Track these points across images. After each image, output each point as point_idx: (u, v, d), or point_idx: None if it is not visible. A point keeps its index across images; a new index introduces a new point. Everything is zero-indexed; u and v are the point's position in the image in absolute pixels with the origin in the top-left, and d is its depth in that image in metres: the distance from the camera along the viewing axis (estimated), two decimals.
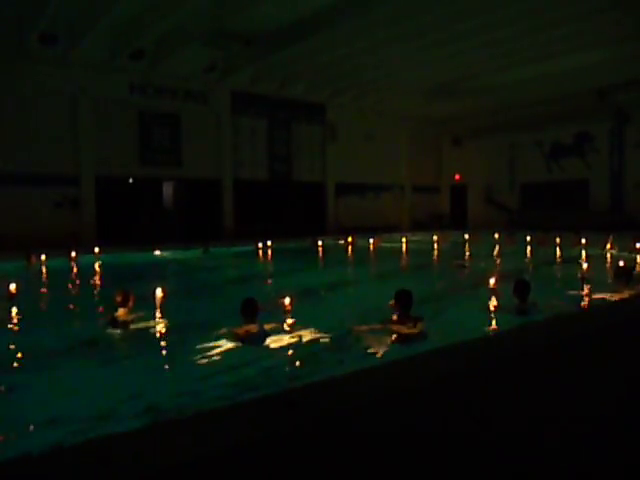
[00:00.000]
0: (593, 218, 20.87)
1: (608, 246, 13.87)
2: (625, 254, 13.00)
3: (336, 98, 22.06)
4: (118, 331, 5.93)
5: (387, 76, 19.47)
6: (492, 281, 7.62)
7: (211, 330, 5.69)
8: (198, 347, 5.26)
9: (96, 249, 14.42)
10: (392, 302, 5.63)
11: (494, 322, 6.40)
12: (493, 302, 7.05)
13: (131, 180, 18.51)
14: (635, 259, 12.01)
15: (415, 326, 5.41)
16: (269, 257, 15.58)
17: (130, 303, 6.16)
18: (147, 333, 6.03)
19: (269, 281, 11.61)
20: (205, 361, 4.95)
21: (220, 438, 2.47)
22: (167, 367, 5.20)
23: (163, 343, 5.89)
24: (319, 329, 6.02)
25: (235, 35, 15.58)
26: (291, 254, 16.30)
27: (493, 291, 7.41)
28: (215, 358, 5.01)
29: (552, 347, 4.25)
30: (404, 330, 5.39)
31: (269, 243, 16.43)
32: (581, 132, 22.69)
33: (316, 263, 15.02)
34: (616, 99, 20.89)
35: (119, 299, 6.16)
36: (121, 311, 6.09)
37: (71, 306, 8.33)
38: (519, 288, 6.35)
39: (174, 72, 17.71)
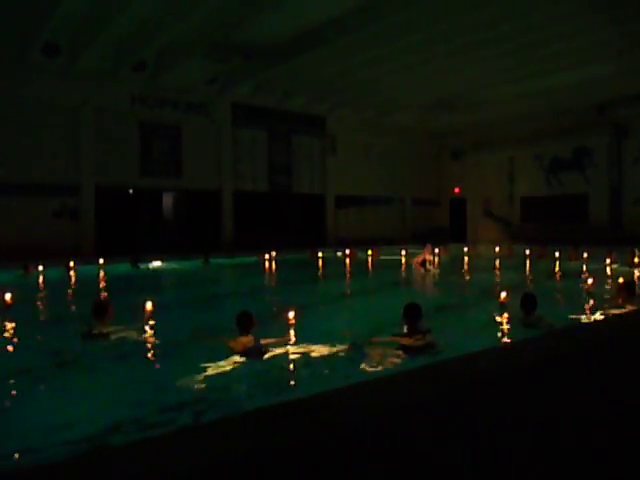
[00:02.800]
0: (592, 233, 20.87)
1: (608, 261, 13.86)
2: (625, 269, 13.01)
3: (336, 111, 22.18)
4: (96, 344, 5.68)
5: (387, 90, 19.59)
6: (503, 295, 7.60)
7: (203, 343, 5.57)
8: (183, 361, 5.15)
9: (101, 260, 14.42)
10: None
11: (499, 335, 6.37)
12: (499, 315, 7.03)
13: (131, 191, 18.53)
14: (634, 274, 12.01)
15: (424, 338, 5.37)
16: (269, 269, 15.57)
17: (108, 315, 5.91)
18: (124, 346, 5.78)
19: (268, 293, 11.58)
20: (189, 375, 4.74)
21: (210, 451, 2.43)
22: (140, 381, 4.88)
23: (142, 356, 5.64)
24: (319, 342, 5.97)
25: (236, 48, 15.68)
26: (291, 266, 16.28)
27: (500, 305, 7.40)
28: (204, 372, 4.82)
29: (550, 362, 4.22)
30: (412, 343, 5.35)
31: (267, 255, 16.43)
32: (580, 147, 22.77)
33: (316, 275, 15.00)
34: (615, 114, 21.03)
35: (96, 310, 5.94)
36: (99, 323, 5.86)
37: (52, 318, 8.24)
38: (526, 301, 6.33)
39: (175, 84, 17.81)
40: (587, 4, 12.55)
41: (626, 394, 3.50)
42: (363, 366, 5.10)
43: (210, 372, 4.83)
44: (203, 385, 4.59)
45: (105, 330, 5.87)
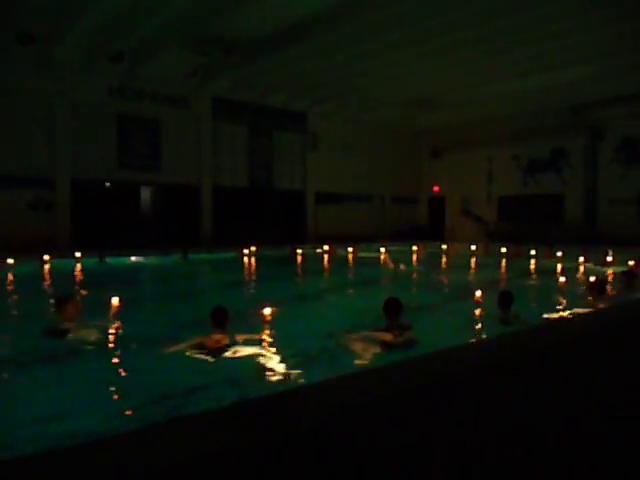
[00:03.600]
0: (567, 232, 21.26)
1: (582, 260, 14.12)
2: (598, 268, 13.28)
3: (318, 107, 22.14)
4: (58, 340, 5.47)
5: (368, 87, 19.61)
6: (479, 293, 7.71)
7: (175, 339, 5.46)
8: (150, 358, 5.04)
9: (78, 254, 14.20)
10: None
11: (476, 332, 6.45)
12: (476, 312, 7.12)
13: (108, 184, 18.27)
14: (607, 272, 12.26)
15: (403, 334, 5.40)
16: (248, 264, 15.52)
17: (72, 310, 5.71)
18: (87, 342, 5.58)
19: (246, 289, 11.54)
20: (155, 372, 4.64)
21: (177, 450, 2.40)
22: (98, 380, 4.68)
23: (103, 354, 5.46)
24: (296, 339, 5.97)
25: (217, 41, 15.55)
26: (270, 262, 16.25)
27: (476, 302, 7.50)
28: (172, 369, 4.73)
29: (522, 358, 4.28)
30: (391, 338, 5.37)
31: (247, 251, 16.38)
32: (557, 148, 23.15)
33: (295, 272, 14.99)
34: (590, 117, 21.43)
35: (60, 306, 5.73)
36: (61, 318, 5.66)
37: (18, 313, 8.05)
38: (503, 299, 6.42)
39: (154, 76, 17.59)
40: (564, 8, 12.72)
41: (597, 389, 3.57)
42: (340, 362, 5.10)
43: (179, 369, 4.75)
44: (169, 383, 4.48)
45: (68, 326, 5.65)
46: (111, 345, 5.75)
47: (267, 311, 6.24)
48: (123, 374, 4.95)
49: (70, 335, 5.56)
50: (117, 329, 6.26)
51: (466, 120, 23.45)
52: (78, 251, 14.49)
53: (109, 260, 14.58)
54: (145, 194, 19.51)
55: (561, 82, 17.99)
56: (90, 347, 5.56)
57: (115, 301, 6.92)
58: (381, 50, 15.44)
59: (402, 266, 14.18)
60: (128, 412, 3.87)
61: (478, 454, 2.52)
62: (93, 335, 5.77)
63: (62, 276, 12.21)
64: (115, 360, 5.36)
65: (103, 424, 3.55)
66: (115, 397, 4.29)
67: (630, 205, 20.92)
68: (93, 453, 2.38)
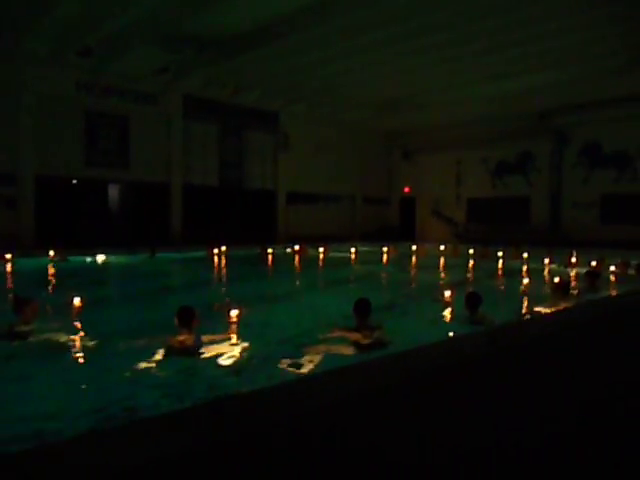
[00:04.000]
0: (533, 234, 21.76)
1: (547, 261, 14.44)
2: (562, 269, 13.60)
3: (289, 107, 22.12)
4: (15, 343, 5.26)
5: (340, 88, 19.69)
6: (448, 293, 7.80)
7: (139, 340, 5.35)
8: (113, 359, 4.92)
9: (51, 252, 13.85)
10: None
11: (443, 332, 6.51)
12: (445, 313, 7.20)
13: (75, 181, 17.88)
14: (571, 273, 12.57)
15: (373, 334, 5.43)
16: (217, 264, 15.38)
17: (30, 312, 5.50)
18: (46, 345, 5.39)
19: (215, 288, 11.44)
20: (118, 374, 4.52)
21: (134, 452, 2.36)
22: (58, 383, 4.54)
23: (63, 356, 5.28)
24: (264, 338, 5.94)
25: (188, 39, 15.38)
26: (240, 261, 16.14)
27: (444, 303, 7.58)
28: (136, 371, 4.61)
29: (488, 357, 4.36)
30: (360, 338, 5.39)
31: (216, 250, 16.24)
32: (524, 151, 23.66)
33: (265, 271, 14.93)
34: (556, 122, 21.98)
35: (17, 307, 5.51)
36: (19, 321, 5.44)
37: None
38: (470, 299, 6.51)
39: (124, 72, 17.29)
40: (532, 15, 12.99)
41: (560, 385, 3.65)
42: (309, 362, 5.09)
43: (143, 370, 4.66)
44: (132, 383, 4.40)
45: (26, 328, 5.43)
46: (71, 347, 5.56)
47: (235, 311, 6.17)
48: (83, 376, 4.81)
49: (29, 338, 5.36)
50: (79, 330, 6.10)
51: (436, 123, 23.79)
52: (42, 249, 14.14)
53: (74, 259, 14.26)
54: (113, 192, 19.16)
55: (528, 87, 18.41)
56: (50, 349, 5.38)
57: (77, 301, 6.74)
58: (353, 51, 15.52)
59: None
60: (88, 414, 3.77)
61: (447, 451, 2.55)
62: (53, 337, 5.59)
63: (24, 275, 11.89)
64: (75, 362, 5.21)
65: (61, 426, 3.46)
66: (74, 399, 4.18)
67: (592, 208, 21.51)
68: (47, 455, 2.32)
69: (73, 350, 5.55)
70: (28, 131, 16.18)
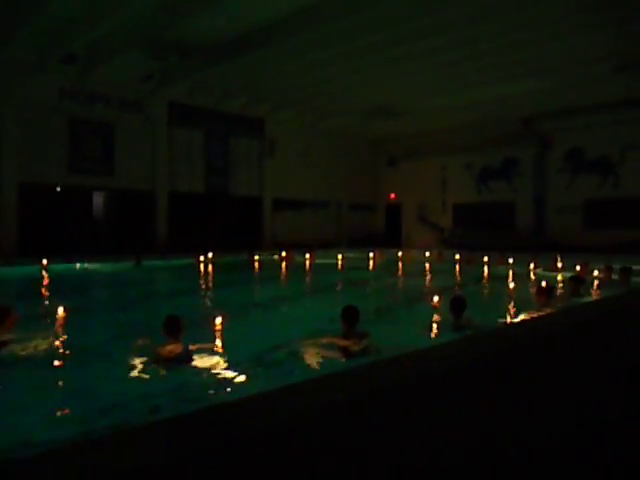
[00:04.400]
0: (518, 239, 21.95)
1: (532, 266, 14.56)
2: (547, 273, 13.73)
3: (275, 113, 22.15)
4: None
5: (325, 95, 19.78)
6: (436, 299, 7.83)
7: (125, 349, 5.31)
8: (100, 369, 4.87)
9: (44, 261, 13.65)
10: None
11: (430, 338, 6.54)
12: (431, 318, 7.23)
13: (59, 189, 17.70)
14: (556, 279, 12.69)
15: (361, 341, 5.42)
16: (204, 271, 15.30)
17: (9, 322, 5.39)
18: (31, 355, 5.34)
19: (202, 296, 11.37)
20: (104, 385, 4.50)
21: (116, 463, 2.33)
22: (43, 393, 4.51)
23: (48, 365, 5.21)
24: (252, 346, 5.91)
25: (173, 45, 15.34)
26: (227, 268, 16.08)
27: (432, 308, 7.61)
28: (124, 381, 4.58)
29: (474, 363, 4.37)
30: (349, 345, 5.38)
31: (202, 258, 16.16)
32: (508, 157, 23.88)
33: (252, 278, 14.89)
34: (540, 127, 22.26)
35: None
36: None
37: None
38: (455, 305, 6.53)
39: (108, 79, 17.19)
40: (517, 23, 13.15)
41: (546, 390, 3.68)
42: (298, 369, 5.08)
43: (129, 379, 4.61)
44: (119, 393, 4.35)
45: (5, 338, 5.33)
46: (52, 356, 5.49)
47: (221, 320, 6.14)
48: (67, 386, 4.75)
49: (7, 348, 5.27)
50: (61, 340, 6.02)
51: (421, 129, 23.98)
52: (25, 257, 13.97)
53: (57, 267, 14.07)
54: (98, 199, 19.00)
55: (512, 94, 18.63)
56: (32, 359, 5.31)
57: (60, 311, 6.65)
58: (339, 58, 15.60)
59: None
60: (71, 424, 3.72)
61: (430, 458, 2.55)
62: (36, 347, 5.53)
63: (5, 284, 11.72)
64: (58, 372, 5.14)
65: (42, 437, 3.41)
66: (58, 410, 4.12)
67: (576, 213, 21.77)
68: (25, 467, 2.28)
69: (53, 360, 5.47)
70: (11, 138, 15.99)
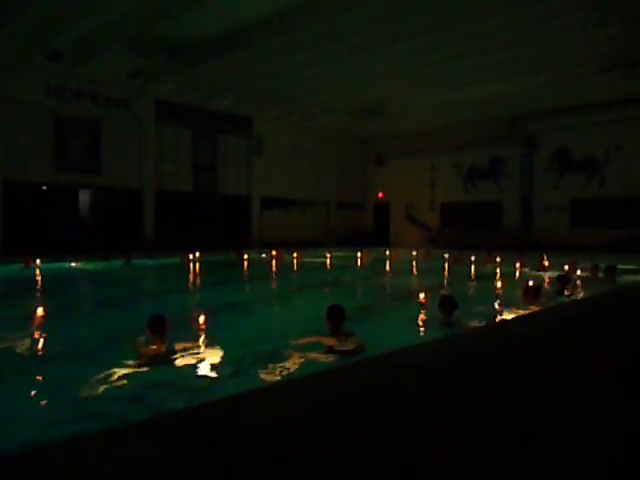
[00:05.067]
0: (505, 238, 22.11)
1: (518, 265, 14.66)
2: (534, 272, 13.83)
3: (263, 112, 22.09)
4: None
5: (314, 93, 19.74)
6: (422, 296, 7.87)
7: (109, 350, 5.27)
8: (84, 369, 4.81)
9: (38, 261, 13.48)
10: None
11: (418, 336, 6.55)
12: (419, 316, 7.25)
13: (45, 187, 17.51)
14: (542, 277, 12.79)
15: (348, 340, 5.41)
16: (192, 270, 15.22)
17: None
18: (14, 355, 5.32)
19: (190, 295, 11.31)
20: (88, 385, 4.42)
21: (101, 462, 2.31)
22: (27, 393, 4.43)
23: (32, 366, 5.19)
24: (238, 345, 5.88)
25: (160, 43, 15.23)
26: (215, 268, 16.01)
27: (419, 306, 7.63)
28: (107, 381, 4.52)
29: (461, 360, 4.39)
30: (335, 344, 5.37)
31: (191, 256, 16.09)
32: (496, 156, 24.05)
33: (240, 277, 14.83)
34: (527, 127, 22.42)
35: None
36: None
37: None
38: (444, 303, 6.55)
39: (95, 76, 17.04)
40: (504, 22, 13.21)
41: (534, 387, 3.70)
42: (284, 368, 5.05)
43: (114, 379, 4.56)
44: (102, 393, 4.30)
45: None
46: (34, 357, 5.44)
47: (205, 318, 6.11)
48: (46, 387, 4.68)
49: None
50: (45, 340, 5.96)
51: (409, 128, 24.03)
52: (11, 256, 13.80)
53: (46, 266, 13.94)
54: (84, 198, 18.83)
55: (500, 94, 18.74)
56: (16, 360, 5.26)
57: (40, 311, 6.58)
58: (326, 57, 15.57)
59: None
60: (55, 425, 3.67)
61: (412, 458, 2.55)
62: (17, 346, 5.47)
63: None
64: (41, 372, 5.06)
65: (26, 437, 3.36)
66: (42, 410, 4.08)
67: (563, 212, 21.97)
68: (12, 466, 2.26)
69: (38, 360, 5.41)
70: None
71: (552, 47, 14.77)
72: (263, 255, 18.47)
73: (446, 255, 17.29)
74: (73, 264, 14.89)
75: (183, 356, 5.15)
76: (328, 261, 17.11)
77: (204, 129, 21.00)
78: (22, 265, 13.65)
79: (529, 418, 3.12)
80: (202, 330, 5.99)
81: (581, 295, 9.70)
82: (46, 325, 6.52)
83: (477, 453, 2.61)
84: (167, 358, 4.98)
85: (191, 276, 14.50)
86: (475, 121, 22.46)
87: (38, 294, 10.29)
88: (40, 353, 5.52)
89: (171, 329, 5.14)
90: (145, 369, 4.82)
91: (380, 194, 28.09)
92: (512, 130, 22.75)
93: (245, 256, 17.02)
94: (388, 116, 21.92)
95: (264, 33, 14.10)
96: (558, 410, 3.27)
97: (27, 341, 5.72)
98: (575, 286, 10.41)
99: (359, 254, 17.95)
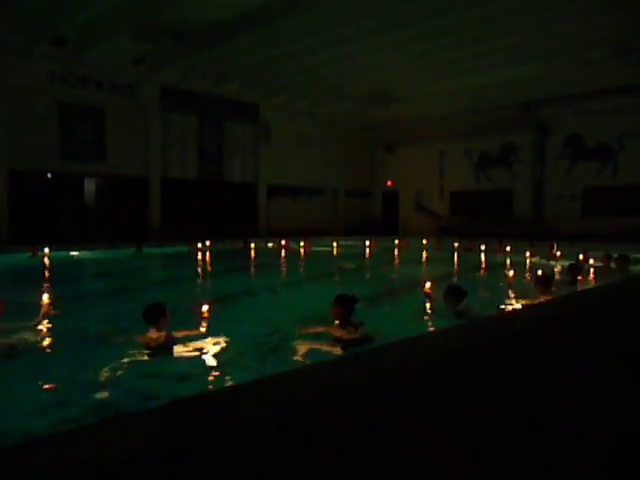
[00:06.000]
0: (516, 226, 21.79)
1: (529, 254, 14.41)
2: (545, 261, 13.59)
3: (270, 98, 21.82)
4: None
5: (322, 79, 19.45)
6: (428, 285, 7.69)
7: (110, 339, 5.18)
8: (84, 358, 4.75)
9: (46, 249, 13.41)
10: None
11: (426, 326, 6.40)
12: (427, 306, 7.09)
13: (50, 175, 17.43)
14: (554, 266, 12.55)
15: (356, 330, 5.26)
16: (202, 259, 15.09)
17: None
18: (17, 343, 5.21)
19: (201, 283, 11.21)
20: (87, 374, 4.36)
21: (103, 450, 2.18)
22: (28, 381, 4.39)
23: (34, 354, 5.11)
24: (244, 334, 5.76)
25: (166, 28, 15.02)
26: (224, 256, 15.88)
27: (428, 295, 7.46)
28: (106, 370, 4.44)
29: (470, 351, 4.21)
30: (344, 334, 5.22)
31: (200, 245, 15.96)
32: (507, 143, 23.64)
33: (248, 266, 14.70)
34: (539, 113, 22.00)
35: None
36: None
37: None
38: (452, 292, 6.37)
39: (99, 62, 16.86)
40: (518, 5, 12.88)
41: (543, 377, 3.53)
42: (291, 358, 4.93)
43: (113, 368, 4.47)
44: (101, 382, 4.23)
45: None
46: (40, 345, 5.37)
47: (208, 307, 5.99)
48: (52, 374, 4.61)
49: None
50: (49, 329, 5.87)
51: (419, 115, 23.67)
52: (17, 245, 13.76)
53: (53, 255, 13.85)
54: (90, 186, 18.74)
55: (512, 79, 18.36)
56: (18, 348, 5.15)
57: (45, 299, 6.49)
58: (334, 42, 15.32)
59: None
60: (57, 413, 3.58)
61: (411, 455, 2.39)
62: (22, 335, 5.38)
63: None
64: (44, 360, 5.01)
65: (29, 425, 3.30)
66: (44, 398, 3.99)
67: (575, 200, 21.61)
68: (16, 454, 2.15)
69: (41, 348, 5.34)
70: (1, 124, 15.68)
71: (565, 31, 14.42)
72: (270, 244, 18.32)
73: (456, 244, 17.05)
74: (81, 252, 14.80)
75: (186, 344, 5.05)
76: (336, 250, 16.92)
77: (210, 116, 20.78)
78: (29, 254, 13.56)
79: (535, 408, 2.96)
80: (203, 318, 5.87)
81: (592, 284, 9.48)
82: (46, 314, 6.42)
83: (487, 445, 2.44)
84: (165, 347, 4.85)
85: (202, 265, 14.33)
86: (486, 107, 22.07)
87: (48, 284, 10.20)
88: (39, 342, 5.41)
89: (168, 319, 4.97)
90: (144, 357, 4.73)
91: (389, 182, 27.79)
92: (524, 116, 22.33)
93: (252, 245, 16.88)
94: (397, 102, 21.61)
95: (269, 19, 13.84)
96: (562, 399, 3.10)
97: (34, 329, 5.64)
98: (587, 275, 10.16)
99: (367, 243, 17.74)
